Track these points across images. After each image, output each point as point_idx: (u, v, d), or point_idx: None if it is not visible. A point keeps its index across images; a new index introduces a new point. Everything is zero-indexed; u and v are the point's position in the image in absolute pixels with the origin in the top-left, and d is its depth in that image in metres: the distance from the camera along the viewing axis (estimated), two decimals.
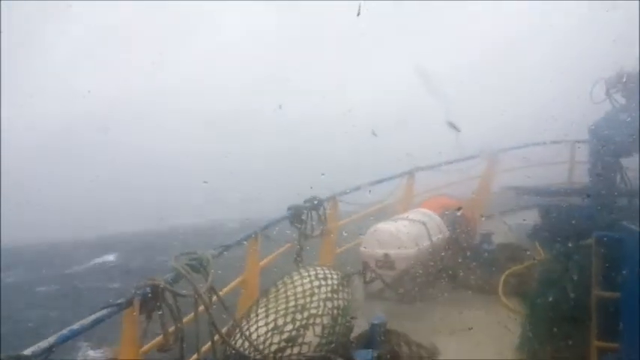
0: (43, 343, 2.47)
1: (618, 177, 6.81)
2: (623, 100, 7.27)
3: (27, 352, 2.36)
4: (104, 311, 2.93)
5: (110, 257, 26.23)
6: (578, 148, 9.60)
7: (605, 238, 4.03)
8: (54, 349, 2.51)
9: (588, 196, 6.84)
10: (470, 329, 5.28)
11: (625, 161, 6.88)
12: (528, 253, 6.86)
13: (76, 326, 2.74)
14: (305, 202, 6.14)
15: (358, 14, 5.11)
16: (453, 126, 4.75)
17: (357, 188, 7.49)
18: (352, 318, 4.17)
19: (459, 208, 7.43)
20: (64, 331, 2.67)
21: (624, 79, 7.18)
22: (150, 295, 3.14)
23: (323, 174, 6.76)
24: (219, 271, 3.83)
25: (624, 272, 3.66)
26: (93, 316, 2.87)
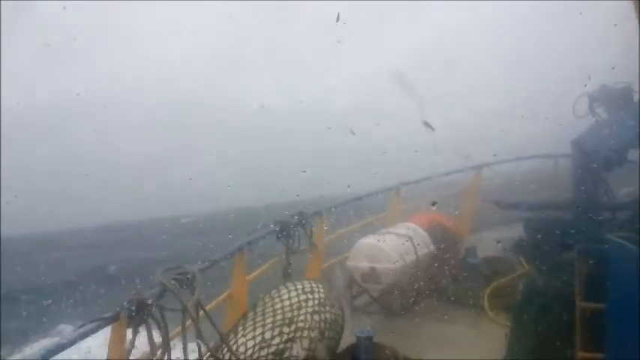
0: (31, 358, 2.47)
1: (602, 190, 6.89)
2: (605, 115, 7.39)
3: None
4: (91, 325, 2.92)
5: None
6: (562, 161, 9.71)
7: (587, 251, 4.09)
8: None
9: (572, 209, 6.90)
10: (456, 343, 5.30)
11: (608, 175, 6.96)
12: (512, 267, 6.91)
13: (63, 340, 2.72)
14: (292, 216, 6.15)
15: (337, 20, 5.23)
16: (428, 125, 4.83)
17: (345, 203, 7.53)
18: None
19: (434, 203, 7.66)
20: (51, 346, 2.66)
21: (607, 94, 7.31)
22: (137, 309, 3.13)
23: (304, 171, 6.72)
24: (208, 283, 3.83)
25: (608, 284, 3.72)
26: (80, 330, 2.86)
